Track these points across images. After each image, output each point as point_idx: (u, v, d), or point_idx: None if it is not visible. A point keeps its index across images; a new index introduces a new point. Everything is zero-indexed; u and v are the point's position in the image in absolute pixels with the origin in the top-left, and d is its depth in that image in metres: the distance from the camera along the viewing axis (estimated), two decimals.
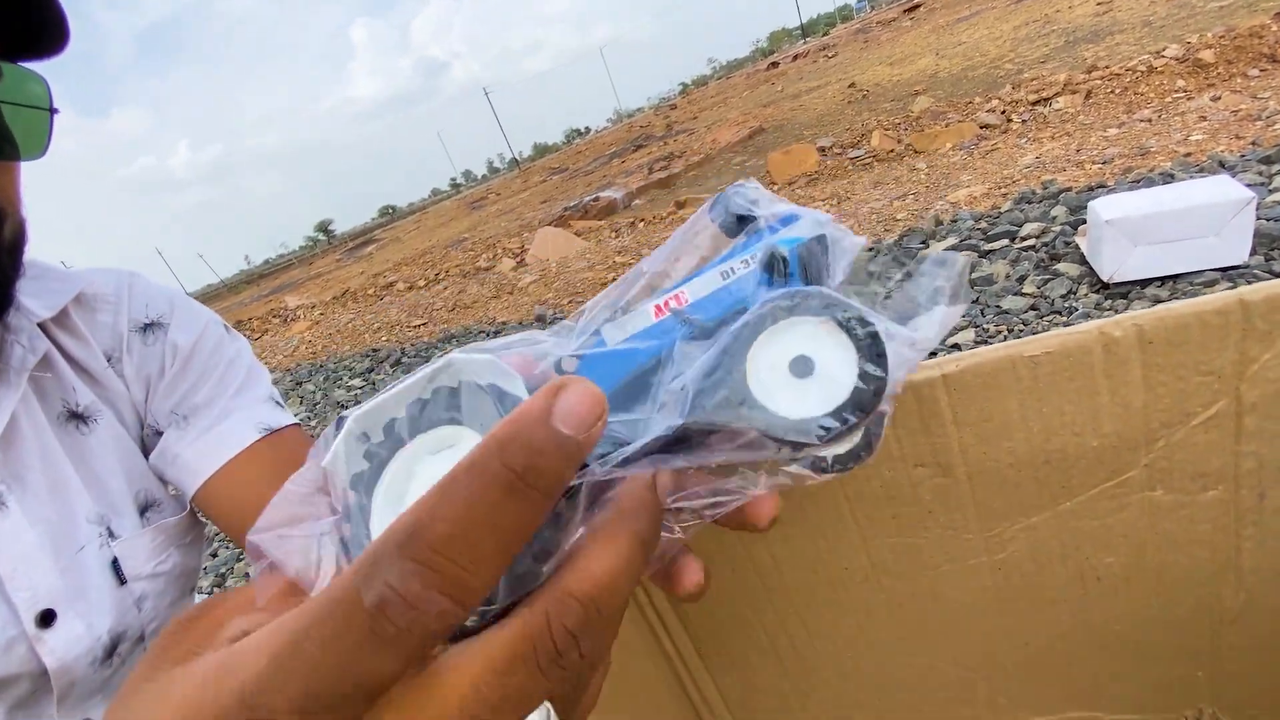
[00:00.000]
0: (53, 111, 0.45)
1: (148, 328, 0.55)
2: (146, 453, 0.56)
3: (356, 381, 2.88)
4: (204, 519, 0.59)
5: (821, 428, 0.24)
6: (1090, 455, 0.33)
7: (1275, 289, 0.28)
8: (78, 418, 0.51)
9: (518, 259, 5.74)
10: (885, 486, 0.37)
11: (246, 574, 1.83)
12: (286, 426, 0.56)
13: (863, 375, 0.25)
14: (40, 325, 0.50)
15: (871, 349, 0.25)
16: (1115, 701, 0.43)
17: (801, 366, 0.25)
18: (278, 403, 0.58)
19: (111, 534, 0.51)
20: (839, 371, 0.25)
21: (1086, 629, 0.40)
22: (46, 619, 0.46)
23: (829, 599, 0.44)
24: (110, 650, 0.50)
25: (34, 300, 0.50)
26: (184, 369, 0.55)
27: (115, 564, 0.51)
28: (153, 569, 0.53)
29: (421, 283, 5.63)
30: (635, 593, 0.47)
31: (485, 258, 5.85)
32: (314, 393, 3.01)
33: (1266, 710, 0.40)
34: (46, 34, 0.42)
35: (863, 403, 0.25)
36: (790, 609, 0.45)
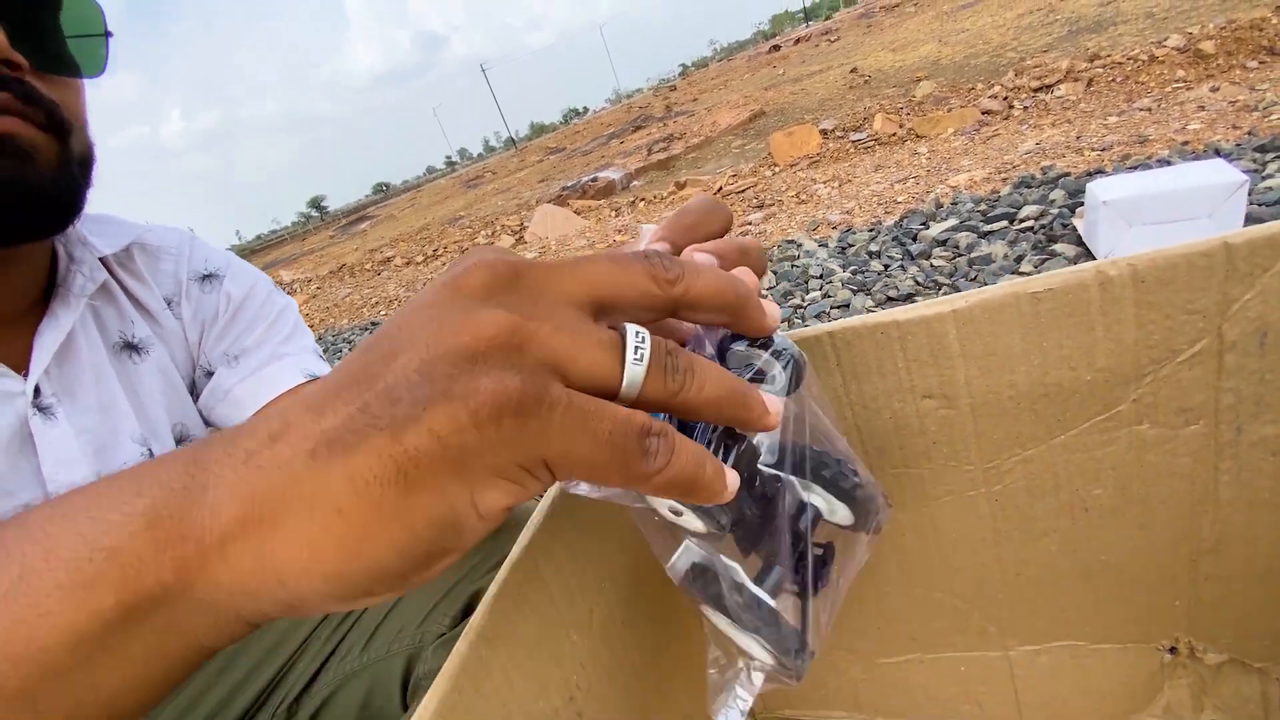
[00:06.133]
0: (107, 35, 0.48)
1: (206, 278, 0.60)
2: (195, 393, 0.60)
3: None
4: None
5: None
6: (1084, 389, 0.36)
7: (1256, 233, 0.31)
8: (131, 348, 0.56)
9: (516, 236, 5.74)
10: (894, 418, 0.40)
11: None
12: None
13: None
14: (103, 261, 0.55)
15: None
16: (1097, 631, 0.47)
17: None
18: (320, 356, 0.62)
19: (152, 455, 0.54)
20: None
21: (1073, 559, 0.43)
22: None
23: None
24: None
25: (97, 239, 0.55)
26: (236, 314, 0.60)
27: None
28: None
29: (419, 259, 5.62)
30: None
31: (483, 235, 5.85)
32: None
33: (1237, 636, 0.43)
34: None
35: None
36: None
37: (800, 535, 0.33)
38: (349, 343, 3.26)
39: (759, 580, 0.32)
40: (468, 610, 0.54)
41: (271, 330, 0.60)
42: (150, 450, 0.55)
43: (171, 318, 0.58)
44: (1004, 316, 0.35)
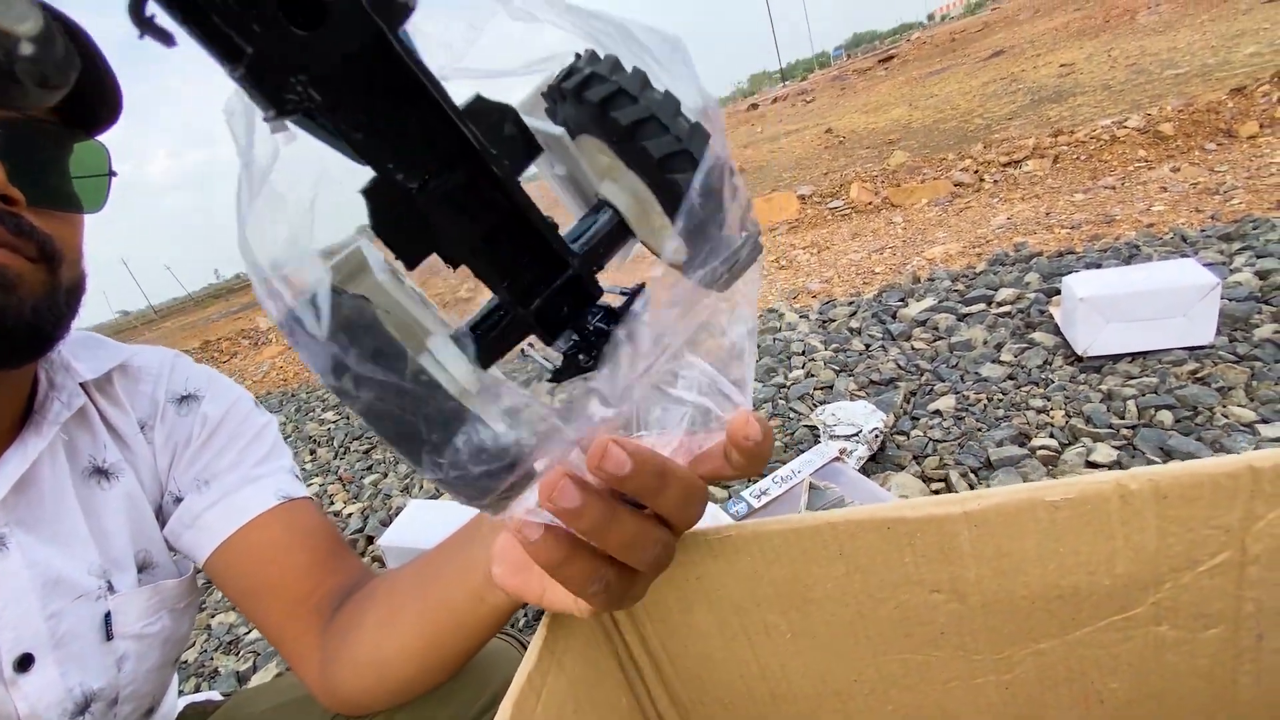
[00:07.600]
0: (111, 175, 0.50)
1: (184, 399, 0.59)
2: (162, 519, 0.58)
3: (329, 414, 2.80)
4: (213, 585, 0.60)
5: None
6: (1101, 592, 0.34)
7: None
8: (101, 473, 0.54)
9: None
10: (900, 608, 0.38)
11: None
12: (302, 498, 0.58)
13: None
14: (83, 385, 0.54)
15: None
16: None
17: None
18: (296, 477, 0.60)
19: (111, 588, 0.53)
20: None
21: None
22: (24, 663, 0.47)
23: (835, 709, 0.45)
24: (83, 707, 0.50)
25: (81, 363, 0.55)
26: (211, 437, 0.58)
27: (107, 618, 0.52)
28: (141, 629, 0.54)
29: None
30: (639, 696, 0.47)
31: (467, 287, 5.78)
32: (285, 424, 2.92)
33: None
34: (107, 109, 0.48)
35: None
36: (796, 717, 0.46)
37: (564, 255, 0.17)
38: (322, 400, 3.19)
39: (470, 329, 0.17)
40: None
41: (247, 451, 0.58)
42: (109, 582, 0.52)
43: (143, 442, 0.57)
44: (1019, 521, 0.33)
